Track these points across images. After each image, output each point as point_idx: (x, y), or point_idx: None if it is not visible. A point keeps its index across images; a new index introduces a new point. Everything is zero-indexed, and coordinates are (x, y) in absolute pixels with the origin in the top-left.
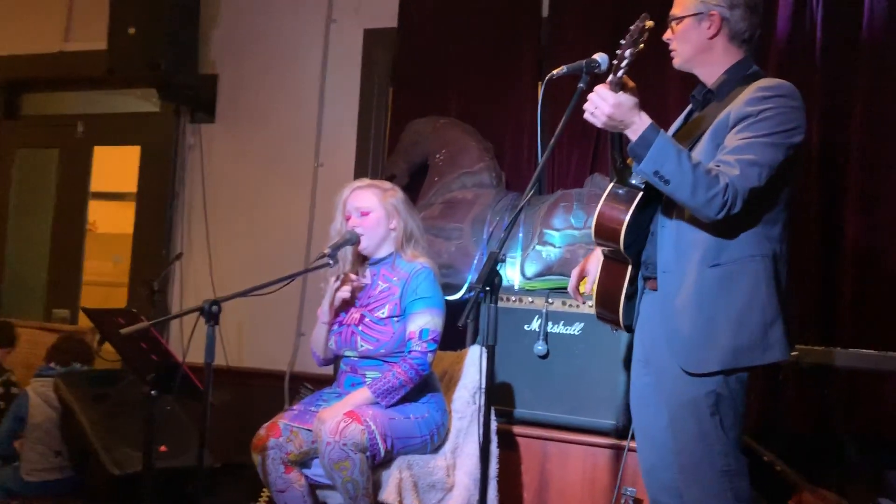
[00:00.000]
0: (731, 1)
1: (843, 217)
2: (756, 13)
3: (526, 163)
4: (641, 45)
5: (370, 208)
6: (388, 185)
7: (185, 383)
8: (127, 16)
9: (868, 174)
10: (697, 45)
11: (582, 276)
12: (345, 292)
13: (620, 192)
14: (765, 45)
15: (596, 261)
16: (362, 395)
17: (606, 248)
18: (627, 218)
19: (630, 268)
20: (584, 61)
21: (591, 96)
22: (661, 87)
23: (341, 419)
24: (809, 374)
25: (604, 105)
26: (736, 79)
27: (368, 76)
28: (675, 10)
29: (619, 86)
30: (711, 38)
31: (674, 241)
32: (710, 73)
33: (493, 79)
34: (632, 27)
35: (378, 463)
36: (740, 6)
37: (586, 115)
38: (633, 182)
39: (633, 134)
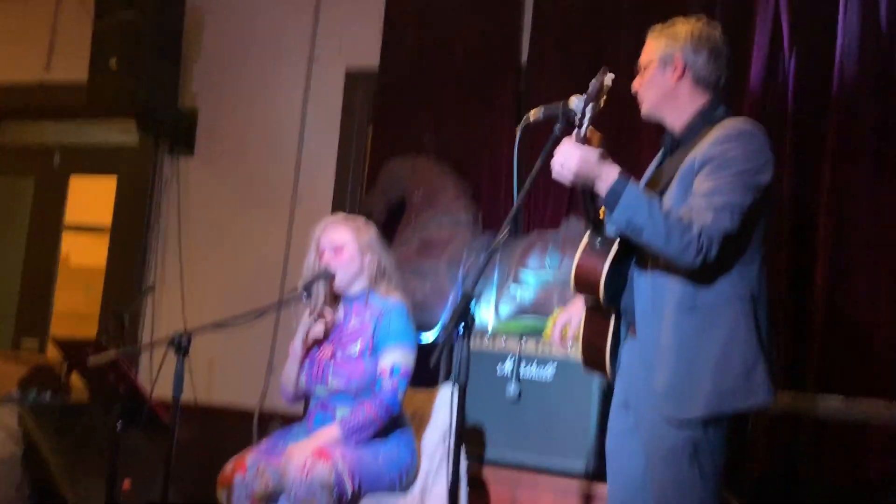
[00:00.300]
0: (694, 47)
1: (812, 268)
2: (720, 59)
3: (502, 204)
4: (603, 99)
5: (344, 244)
6: (361, 220)
7: (152, 417)
8: (109, 48)
9: (836, 225)
10: (662, 91)
11: (565, 325)
12: (318, 329)
13: (597, 242)
14: (738, 97)
15: (577, 308)
16: (331, 432)
17: (588, 300)
18: (605, 269)
19: (613, 319)
20: (560, 105)
21: (557, 152)
22: (636, 136)
23: (309, 457)
24: (778, 421)
25: (571, 161)
26: (702, 123)
27: (348, 115)
28: (642, 59)
29: (584, 140)
30: (675, 82)
31: (650, 288)
32: (677, 118)
33: (472, 121)
34: (592, 82)
35: (345, 502)
36: (704, 51)
37: (554, 173)
38: (609, 232)
39: (603, 186)
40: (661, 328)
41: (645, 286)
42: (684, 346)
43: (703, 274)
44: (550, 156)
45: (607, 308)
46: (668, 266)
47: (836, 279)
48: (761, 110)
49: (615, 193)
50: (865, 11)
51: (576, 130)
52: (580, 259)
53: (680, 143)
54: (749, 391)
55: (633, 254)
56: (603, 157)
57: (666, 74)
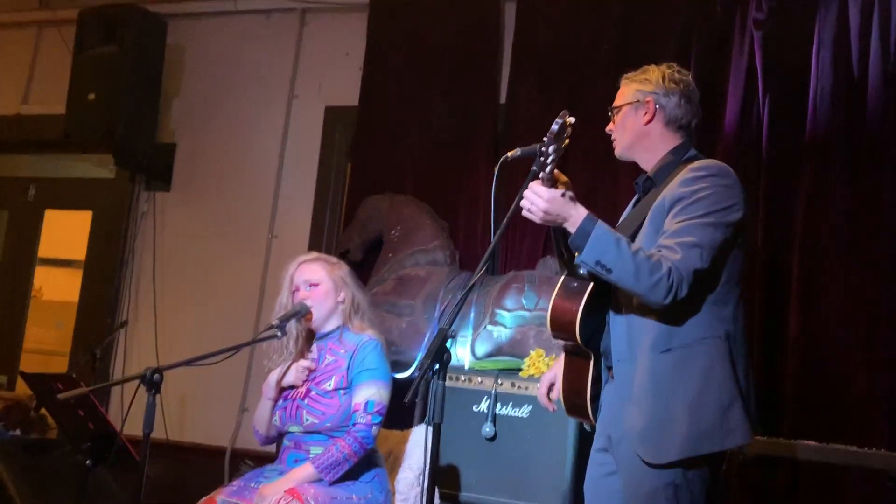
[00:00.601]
0: (666, 89)
1: (786, 312)
2: (692, 102)
3: (480, 242)
4: (566, 141)
5: (319, 280)
6: (334, 258)
7: (122, 454)
8: (87, 82)
9: (810, 269)
10: (634, 132)
11: (551, 383)
12: (299, 375)
13: (571, 284)
14: (713, 140)
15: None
16: (305, 470)
17: (566, 343)
18: (580, 310)
19: (592, 362)
20: (538, 145)
21: (525, 193)
22: (614, 179)
23: (282, 497)
24: (753, 465)
25: (539, 201)
26: (674, 163)
27: (327, 151)
28: (616, 102)
29: (551, 181)
30: (647, 123)
31: (625, 329)
32: (649, 159)
33: (450, 160)
34: (553, 125)
35: None
36: (676, 94)
37: (524, 213)
38: (582, 273)
39: (571, 226)
40: (637, 370)
41: (621, 327)
42: (660, 387)
43: (677, 314)
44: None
45: (586, 351)
46: (643, 307)
47: (809, 325)
48: (736, 153)
49: (583, 233)
50: (837, 57)
51: (541, 173)
52: (555, 301)
53: (653, 184)
54: (726, 432)
55: (608, 295)
56: (570, 198)
57: (638, 116)
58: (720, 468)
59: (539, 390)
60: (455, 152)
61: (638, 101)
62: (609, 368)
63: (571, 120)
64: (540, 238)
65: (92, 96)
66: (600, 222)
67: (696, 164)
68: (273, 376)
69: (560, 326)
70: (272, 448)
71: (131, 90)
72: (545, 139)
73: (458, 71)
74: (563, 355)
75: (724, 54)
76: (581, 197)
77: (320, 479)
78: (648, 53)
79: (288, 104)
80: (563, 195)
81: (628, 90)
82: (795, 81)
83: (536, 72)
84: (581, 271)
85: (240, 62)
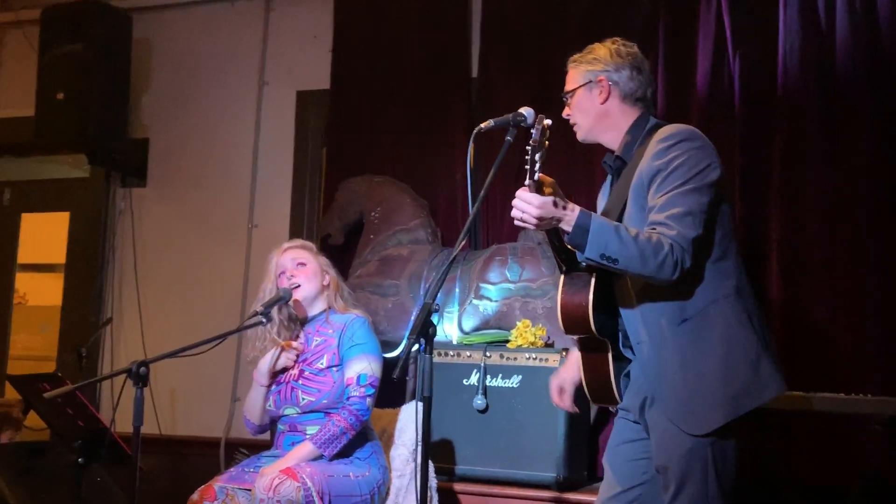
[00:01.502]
0: (616, 64)
1: (767, 268)
2: (643, 72)
3: (461, 218)
4: (546, 143)
5: (306, 260)
6: (314, 248)
7: (114, 449)
8: (55, 81)
9: (788, 225)
10: (593, 114)
11: (561, 388)
12: (289, 357)
13: (573, 279)
14: (685, 101)
15: (569, 371)
16: (305, 448)
17: (581, 339)
18: (590, 300)
19: (610, 352)
20: (511, 115)
21: (515, 203)
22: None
23: (276, 476)
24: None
25: (530, 208)
26: (638, 137)
27: (302, 137)
28: (567, 87)
29: (536, 187)
30: (603, 102)
31: (636, 313)
32: (614, 138)
33: (426, 137)
34: (532, 131)
35: None
36: (626, 67)
37: (517, 222)
38: (582, 266)
39: (567, 226)
40: (660, 347)
41: (632, 311)
42: (687, 358)
43: (683, 284)
44: (503, 165)
45: (601, 341)
46: (649, 286)
47: (789, 279)
48: (708, 113)
49: (582, 230)
50: (804, 12)
51: (528, 180)
52: (563, 300)
53: (623, 162)
54: (761, 386)
55: (611, 282)
56: (560, 198)
57: (593, 96)
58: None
59: (552, 396)
60: (430, 129)
61: (590, 81)
62: (628, 348)
63: (548, 122)
64: None
65: (61, 96)
66: (594, 215)
67: (663, 133)
68: (264, 364)
69: (573, 323)
70: (266, 437)
71: (100, 87)
72: (528, 115)
73: (428, 47)
74: (574, 353)
75: (693, 15)
76: (560, 179)
77: (320, 456)
78: (618, 17)
79: (259, 91)
80: (550, 199)
81: (577, 73)
82: (765, 38)
83: (507, 43)
84: (582, 264)
85: (207, 52)
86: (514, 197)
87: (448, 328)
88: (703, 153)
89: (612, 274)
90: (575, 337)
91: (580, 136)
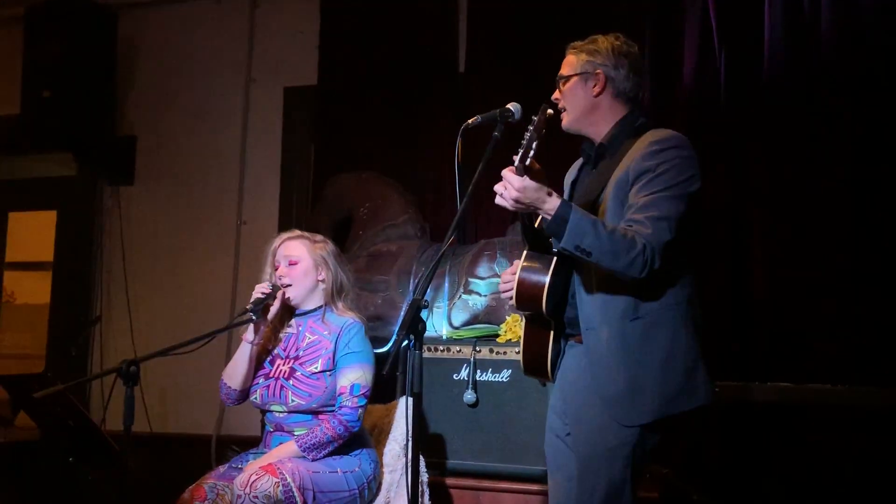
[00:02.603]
0: (615, 61)
1: (750, 264)
2: (639, 74)
3: (449, 213)
4: (544, 132)
5: (299, 258)
6: (319, 237)
7: (105, 449)
8: (41, 79)
9: (773, 217)
10: (584, 104)
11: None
12: (276, 304)
13: (535, 258)
14: (672, 95)
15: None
16: (288, 448)
17: (528, 313)
18: (547, 283)
19: (553, 331)
20: (498, 111)
21: (499, 183)
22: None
23: (254, 471)
24: (730, 411)
25: (510, 189)
26: (625, 132)
27: (289, 133)
28: (563, 71)
29: (523, 170)
30: (597, 96)
31: (593, 300)
32: (598, 130)
33: (413, 133)
34: (535, 118)
35: None
36: (624, 66)
37: (497, 200)
38: (546, 247)
39: (547, 214)
40: (607, 337)
41: (589, 299)
42: (630, 353)
43: (644, 284)
44: (491, 161)
45: (548, 320)
46: (611, 279)
47: (774, 273)
48: (695, 106)
49: (561, 220)
50: (789, 4)
51: (517, 163)
52: (521, 277)
53: (603, 155)
54: (692, 392)
55: (570, 267)
56: (543, 186)
57: (588, 87)
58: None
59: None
60: (418, 125)
61: (587, 72)
62: (569, 336)
63: (551, 112)
64: None
65: (46, 94)
66: (575, 207)
67: (656, 135)
68: (248, 336)
69: (526, 300)
70: (258, 432)
71: (86, 85)
72: (515, 111)
73: (415, 43)
74: (523, 323)
75: (678, 8)
76: (546, 164)
77: (303, 457)
78: (605, 11)
79: (246, 88)
80: (534, 184)
81: (577, 60)
82: (749, 31)
83: (494, 38)
84: (554, 248)
85: (193, 49)
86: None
87: (437, 323)
88: (689, 163)
89: (575, 261)
90: (524, 312)
91: (565, 123)
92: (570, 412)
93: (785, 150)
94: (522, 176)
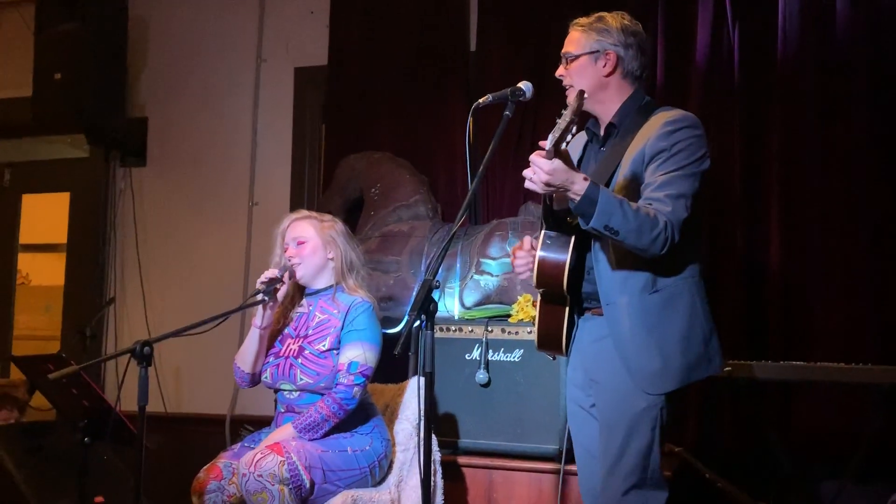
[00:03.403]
0: (625, 41)
1: (766, 240)
2: (646, 53)
3: (460, 193)
4: (576, 119)
5: (307, 238)
6: (327, 216)
7: (119, 428)
8: (52, 61)
9: (787, 196)
10: (593, 83)
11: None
12: (284, 285)
13: (554, 238)
14: (685, 71)
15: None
16: (286, 430)
17: (546, 291)
18: (567, 261)
19: (568, 307)
20: (509, 90)
21: (528, 168)
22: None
23: (259, 451)
24: (743, 389)
25: (540, 173)
26: (633, 111)
27: (300, 114)
28: (570, 48)
29: (553, 153)
30: (607, 76)
31: (611, 275)
32: (606, 109)
33: (424, 112)
34: (572, 102)
35: (307, 496)
36: (633, 46)
37: (526, 184)
38: (562, 226)
39: (575, 195)
40: (629, 311)
41: (609, 274)
42: (652, 324)
43: (660, 259)
44: (503, 140)
45: (564, 297)
46: (629, 255)
47: (788, 251)
48: (708, 83)
49: (590, 199)
50: None
51: (547, 146)
52: (541, 257)
53: (612, 133)
54: (709, 360)
55: (586, 245)
56: (571, 167)
57: (598, 67)
58: (712, 393)
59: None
60: (429, 105)
61: (597, 51)
62: (585, 310)
63: (587, 97)
64: (520, 185)
65: (58, 76)
66: (602, 188)
67: (670, 115)
68: (259, 308)
69: (547, 278)
70: (271, 411)
71: (97, 66)
72: (526, 90)
73: (426, 22)
74: (539, 300)
75: None
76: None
77: (300, 438)
78: None
79: (256, 68)
80: (563, 165)
81: (585, 39)
82: (764, 7)
83: (505, 17)
84: (582, 227)
85: (204, 30)
86: (512, 171)
87: (449, 303)
88: (701, 142)
89: (592, 236)
90: (541, 290)
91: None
92: (595, 382)
93: (798, 128)
94: (552, 160)
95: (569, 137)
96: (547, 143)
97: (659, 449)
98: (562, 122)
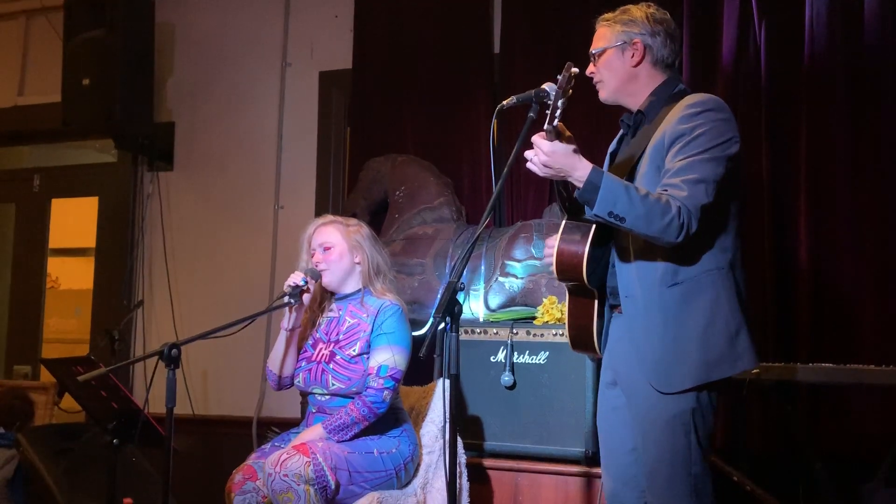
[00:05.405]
0: (651, 29)
1: (795, 239)
2: (675, 39)
3: (484, 196)
4: (570, 92)
5: (333, 243)
6: (353, 221)
7: (147, 430)
8: (80, 67)
9: (816, 197)
10: (622, 75)
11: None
12: (310, 288)
13: (574, 227)
14: (711, 72)
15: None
16: (315, 431)
17: (571, 284)
18: (586, 251)
19: (597, 300)
20: (534, 91)
21: (530, 150)
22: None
23: (286, 451)
24: (772, 392)
25: (540, 154)
26: (663, 98)
27: (325, 117)
28: (597, 44)
29: (554, 134)
30: (636, 66)
31: (632, 267)
32: (637, 101)
33: (449, 115)
34: (558, 77)
35: (332, 496)
36: (661, 33)
37: (528, 165)
38: (585, 216)
39: (578, 181)
40: (646, 305)
41: (627, 266)
42: (670, 319)
43: (683, 249)
44: (526, 142)
45: (590, 290)
46: (648, 245)
47: (818, 250)
48: (734, 84)
49: (592, 185)
50: None
51: (546, 125)
52: (560, 245)
53: (642, 122)
54: (735, 358)
55: (609, 235)
56: (573, 151)
57: (625, 58)
58: (741, 396)
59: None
60: (453, 107)
61: (624, 42)
62: (613, 306)
63: (576, 71)
64: (545, 187)
65: (86, 81)
66: (606, 173)
67: (692, 99)
68: (286, 310)
69: (567, 270)
70: (298, 412)
71: (125, 72)
72: (550, 91)
73: (450, 24)
74: (567, 296)
75: None
76: (581, 147)
77: (329, 439)
78: None
79: (282, 72)
80: (565, 148)
81: (611, 32)
82: (791, 6)
83: (529, 19)
84: (585, 214)
85: (230, 34)
86: (537, 177)
87: (474, 306)
88: (726, 126)
89: (614, 228)
90: (567, 284)
91: (603, 95)
92: (621, 384)
93: (827, 128)
94: (552, 140)
95: (559, 113)
96: (546, 123)
97: (701, 455)
98: (552, 98)
